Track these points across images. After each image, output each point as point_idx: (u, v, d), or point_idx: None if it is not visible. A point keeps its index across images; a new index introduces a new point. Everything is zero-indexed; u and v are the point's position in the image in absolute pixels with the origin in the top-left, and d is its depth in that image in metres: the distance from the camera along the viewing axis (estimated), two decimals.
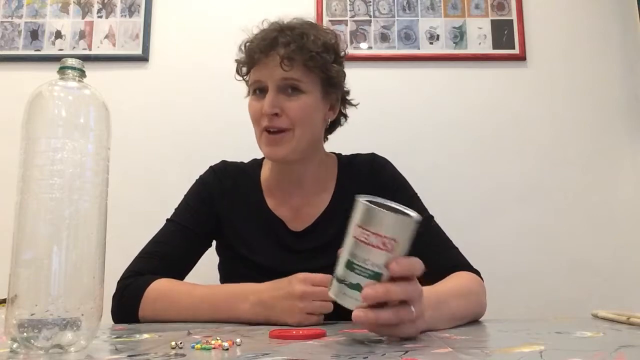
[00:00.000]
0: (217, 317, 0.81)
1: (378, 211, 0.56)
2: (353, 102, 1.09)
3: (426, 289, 0.68)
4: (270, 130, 0.94)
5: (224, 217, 1.03)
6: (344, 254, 0.59)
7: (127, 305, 0.87)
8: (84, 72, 0.58)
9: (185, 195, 1.06)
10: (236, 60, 1.03)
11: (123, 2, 1.69)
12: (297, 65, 0.93)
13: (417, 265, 0.60)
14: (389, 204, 0.58)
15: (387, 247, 0.56)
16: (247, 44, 0.99)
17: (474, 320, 0.85)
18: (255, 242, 1.01)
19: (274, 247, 1.00)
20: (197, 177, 1.09)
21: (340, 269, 0.59)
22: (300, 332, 0.65)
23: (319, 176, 1.05)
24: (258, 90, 0.97)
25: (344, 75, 1.04)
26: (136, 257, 0.96)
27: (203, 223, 1.02)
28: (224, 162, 1.10)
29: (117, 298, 0.88)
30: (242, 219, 1.03)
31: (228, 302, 0.81)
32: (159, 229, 1.03)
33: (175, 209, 1.04)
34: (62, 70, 0.57)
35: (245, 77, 1.04)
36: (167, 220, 1.03)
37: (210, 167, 1.09)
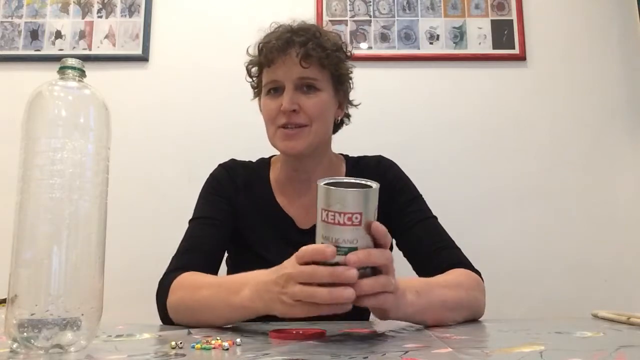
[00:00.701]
0: (228, 309, 0.75)
1: (337, 191, 0.58)
2: (354, 102, 1.11)
3: (413, 277, 0.69)
4: (287, 126, 0.96)
5: (236, 211, 1.03)
6: (318, 240, 0.60)
7: (159, 305, 0.87)
8: (84, 72, 0.58)
9: (199, 195, 1.06)
10: (250, 62, 1.04)
11: (123, 2, 1.69)
12: (314, 64, 0.96)
13: (389, 235, 0.62)
14: (348, 180, 0.60)
15: (354, 222, 0.58)
16: (261, 44, 1.00)
17: (473, 320, 0.85)
18: (263, 237, 1.02)
19: (281, 244, 1.00)
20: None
21: None
22: (301, 332, 0.65)
23: (328, 176, 1.06)
24: (273, 90, 0.99)
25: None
26: (171, 259, 0.96)
27: (223, 211, 1.02)
28: (233, 160, 1.11)
29: (155, 300, 0.89)
30: (252, 214, 1.04)
31: (233, 290, 0.73)
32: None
33: (194, 210, 1.04)
34: (62, 70, 0.57)
35: (254, 79, 1.05)
36: (189, 221, 1.03)
37: (220, 164, 1.10)
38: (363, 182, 0.60)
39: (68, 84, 0.57)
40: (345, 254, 0.58)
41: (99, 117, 0.57)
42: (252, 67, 1.05)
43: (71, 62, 0.57)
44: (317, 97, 0.97)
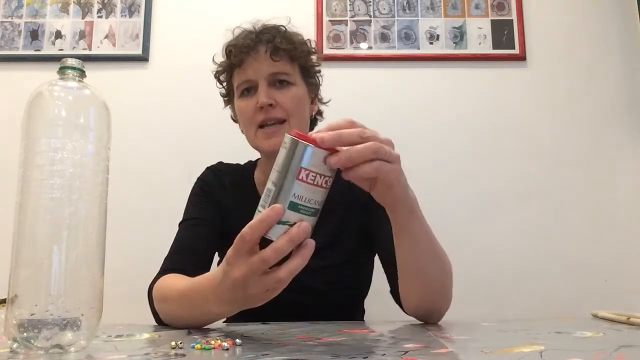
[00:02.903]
0: (200, 319, 0.75)
1: (323, 153, 0.55)
2: (323, 100, 1.12)
3: None
4: (266, 123, 0.96)
5: (224, 212, 1.03)
6: (285, 196, 0.56)
7: (150, 308, 0.87)
8: (84, 72, 0.58)
9: (188, 198, 1.06)
10: (219, 67, 1.05)
11: (123, 2, 1.69)
12: (284, 57, 0.97)
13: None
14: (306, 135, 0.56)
15: (327, 186, 0.56)
16: (229, 47, 1.00)
17: (471, 320, 0.83)
18: None
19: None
20: (196, 177, 1.09)
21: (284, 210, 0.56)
22: None
23: None
24: (246, 91, 0.99)
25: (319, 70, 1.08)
26: (163, 260, 0.96)
27: (211, 212, 1.02)
28: (220, 163, 1.12)
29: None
30: (240, 215, 1.03)
31: (199, 303, 0.71)
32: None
33: (183, 213, 1.04)
34: (62, 70, 0.57)
35: (224, 84, 1.06)
36: (179, 223, 1.03)
37: (207, 167, 1.10)
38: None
39: (68, 84, 0.56)
40: (312, 214, 0.56)
41: (99, 117, 0.57)
42: (221, 74, 1.05)
43: (71, 62, 0.57)
44: (291, 91, 0.98)
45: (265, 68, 0.96)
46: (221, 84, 1.07)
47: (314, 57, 1.05)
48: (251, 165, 1.12)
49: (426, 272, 0.75)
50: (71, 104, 0.57)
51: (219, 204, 1.03)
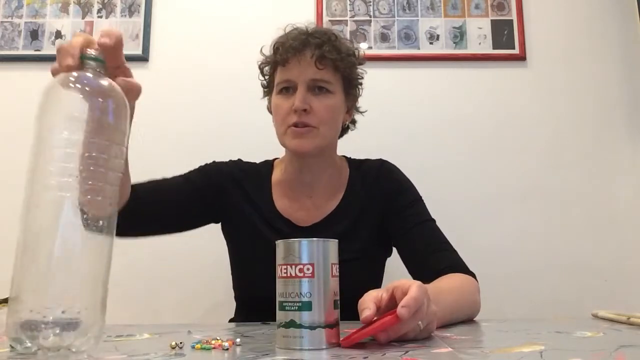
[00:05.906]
0: None
1: (287, 242, 0.58)
2: (361, 109, 1.12)
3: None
4: (297, 125, 0.97)
5: (233, 205, 1.04)
6: (277, 300, 0.58)
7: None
8: (103, 63, 0.56)
9: (198, 167, 1.08)
10: (263, 60, 1.05)
11: (123, 2, 1.69)
12: (328, 66, 0.97)
13: (420, 298, 0.58)
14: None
15: (305, 273, 0.56)
16: (277, 44, 1.01)
17: (468, 320, 0.85)
18: (263, 236, 1.01)
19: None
20: None
21: (277, 315, 0.58)
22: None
23: (332, 181, 1.07)
24: (285, 89, 1.00)
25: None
26: None
27: (197, 185, 1.04)
28: (239, 159, 1.12)
29: None
30: (250, 212, 1.04)
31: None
32: None
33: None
34: (82, 60, 0.55)
35: (266, 78, 1.06)
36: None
37: (231, 160, 1.11)
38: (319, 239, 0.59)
39: (86, 75, 0.55)
40: (300, 308, 0.56)
41: (119, 112, 0.56)
42: (265, 67, 1.05)
43: (90, 52, 0.55)
44: (328, 99, 0.98)
45: (308, 72, 0.96)
46: (263, 75, 1.07)
47: (358, 69, 1.05)
48: (268, 165, 1.12)
49: (447, 324, 0.79)
50: (88, 97, 0.55)
51: (221, 199, 1.04)
